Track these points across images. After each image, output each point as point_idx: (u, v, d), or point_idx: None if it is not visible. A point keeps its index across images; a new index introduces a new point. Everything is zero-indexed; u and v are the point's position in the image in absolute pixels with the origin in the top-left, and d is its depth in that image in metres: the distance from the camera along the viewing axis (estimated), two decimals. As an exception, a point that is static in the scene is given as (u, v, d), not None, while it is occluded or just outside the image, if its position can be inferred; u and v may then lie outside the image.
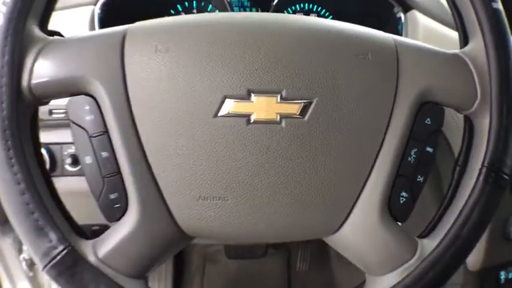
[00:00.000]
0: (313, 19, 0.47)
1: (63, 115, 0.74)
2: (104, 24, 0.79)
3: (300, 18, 0.47)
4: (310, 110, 0.43)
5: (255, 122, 0.43)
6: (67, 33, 0.75)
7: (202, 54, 0.43)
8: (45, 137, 0.75)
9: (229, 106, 0.43)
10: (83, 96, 0.44)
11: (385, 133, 0.44)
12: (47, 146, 0.77)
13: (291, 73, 0.43)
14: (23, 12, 0.42)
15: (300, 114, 0.43)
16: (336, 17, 0.92)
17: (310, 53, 0.44)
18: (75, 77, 0.43)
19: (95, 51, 0.44)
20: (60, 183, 0.77)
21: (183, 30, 0.44)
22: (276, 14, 0.48)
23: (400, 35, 0.82)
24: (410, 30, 0.81)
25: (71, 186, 0.72)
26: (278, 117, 0.43)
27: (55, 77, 0.43)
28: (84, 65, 0.43)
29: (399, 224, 0.46)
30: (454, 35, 0.78)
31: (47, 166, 0.76)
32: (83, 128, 0.44)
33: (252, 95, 0.43)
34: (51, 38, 0.45)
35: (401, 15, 0.82)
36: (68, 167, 0.77)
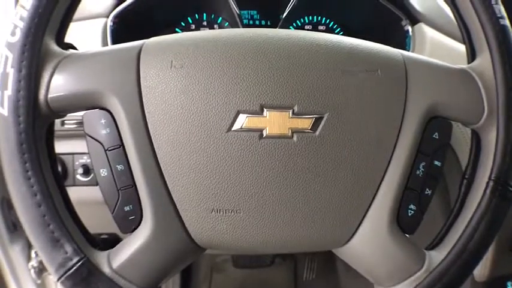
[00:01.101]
0: (324, 36, 0.48)
1: (75, 126, 0.75)
2: (116, 36, 0.80)
3: (311, 35, 0.47)
4: (321, 125, 0.44)
5: (268, 136, 0.44)
6: (80, 45, 0.77)
7: (216, 70, 0.44)
8: (57, 147, 0.75)
9: (243, 121, 0.43)
10: (98, 110, 0.45)
11: (394, 147, 0.45)
12: (58, 156, 0.77)
13: (302, 89, 0.44)
14: (40, 28, 0.43)
15: (311, 129, 0.44)
16: (344, 29, 0.93)
17: (321, 69, 0.44)
18: (91, 92, 0.44)
19: (111, 66, 0.45)
20: (71, 193, 0.78)
21: (197, 47, 0.45)
22: (289, 30, 0.49)
23: (408, 47, 0.83)
24: (418, 43, 0.81)
25: (81, 196, 0.73)
26: (290, 132, 0.44)
27: (71, 91, 0.44)
28: (100, 80, 0.44)
29: (407, 236, 0.47)
30: (461, 47, 0.78)
31: (59, 176, 0.77)
32: (98, 142, 0.45)
33: (265, 110, 0.44)
34: (67, 52, 0.46)
35: (409, 28, 0.83)
36: (80, 177, 0.78)
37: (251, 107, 0.43)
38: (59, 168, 0.77)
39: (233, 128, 0.43)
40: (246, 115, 0.43)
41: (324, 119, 0.44)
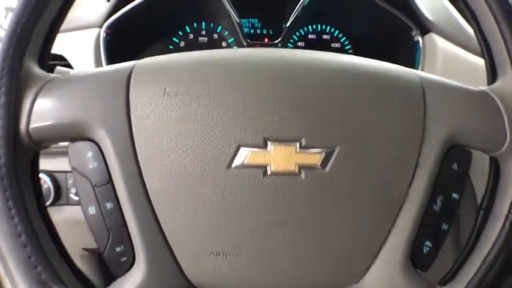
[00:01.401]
0: (333, 57, 0.44)
1: (68, 143, 0.72)
2: (109, 47, 0.76)
3: (320, 56, 0.44)
4: (332, 160, 0.40)
5: (272, 173, 0.40)
6: (71, 58, 0.74)
7: (215, 99, 0.40)
8: (49, 164, 0.73)
9: (244, 156, 0.39)
10: (85, 141, 0.42)
11: (411, 182, 0.41)
12: (51, 174, 0.74)
13: (310, 119, 0.40)
14: (19, 49, 0.40)
15: (321, 165, 0.40)
16: (350, 38, 0.89)
17: (330, 97, 0.40)
18: (76, 122, 0.41)
19: (98, 93, 0.41)
20: (65, 212, 0.75)
21: (193, 71, 0.41)
22: (294, 51, 0.45)
23: (418, 59, 0.78)
24: (429, 54, 0.77)
25: (76, 215, 0.70)
26: (297, 168, 0.40)
27: (55, 121, 0.40)
28: (85, 109, 0.40)
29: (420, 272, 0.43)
30: (475, 59, 0.75)
31: (51, 195, 0.74)
32: (85, 177, 0.41)
33: (269, 143, 0.39)
34: (51, 75, 0.42)
35: (419, 38, 0.78)
36: (73, 196, 0.75)
37: (253, 141, 0.39)
38: (52, 187, 0.74)
39: (234, 164, 0.40)
40: (248, 149, 0.39)
41: (335, 153, 0.40)
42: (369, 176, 0.41)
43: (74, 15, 0.78)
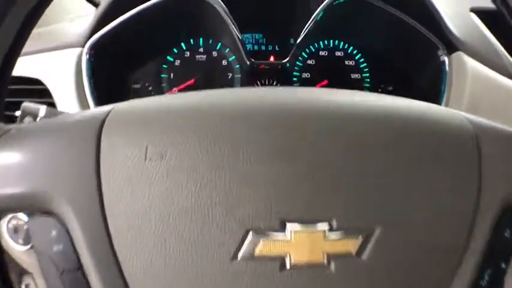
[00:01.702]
0: (363, 103, 0.36)
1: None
2: (93, 69, 0.68)
3: (347, 102, 0.35)
4: (370, 245, 0.31)
5: (293, 267, 0.30)
6: (50, 82, 0.65)
7: (213, 165, 0.31)
8: None
9: (255, 244, 0.30)
10: (47, 216, 0.33)
11: (462, 259, 0.33)
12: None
13: (342, 194, 0.31)
14: None
15: (356, 253, 0.31)
16: (366, 55, 0.82)
17: (366, 162, 0.32)
18: (36, 193, 0.32)
19: (61, 154, 0.33)
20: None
21: (184, 123, 0.33)
22: (315, 94, 0.36)
23: (444, 81, 0.70)
24: (456, 75, 0.69)
25: None
26: (325, 259, 0.31)
27: (8, 191, 0.32)
28: (46, 176, 0.32)
29: None
30: (508, 82, 0.67)
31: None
32: (50, 259, 0.33)
33: (288, 227, 0.31)
34: (4, 128, 0.35)
35: (445, 58, 0.70)
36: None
37: (267, 223, 0.30)
38: None
39: (240, 255, 0.30)
40: (259, 236, 0.30)
41: (374, 236, 0.31)
42: (415, 260, 0.32)
43: (51, 32, 0.70)
